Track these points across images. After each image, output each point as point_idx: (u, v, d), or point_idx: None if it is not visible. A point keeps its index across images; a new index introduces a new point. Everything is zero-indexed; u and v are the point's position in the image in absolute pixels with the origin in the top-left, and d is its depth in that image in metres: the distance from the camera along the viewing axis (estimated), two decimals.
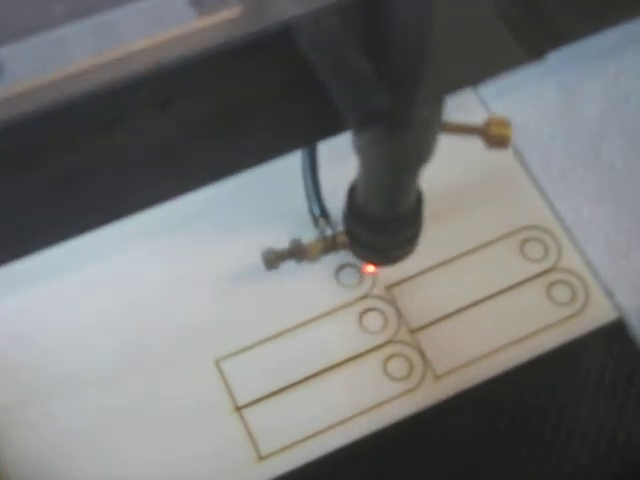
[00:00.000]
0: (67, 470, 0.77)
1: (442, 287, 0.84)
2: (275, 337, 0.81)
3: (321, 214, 0.81)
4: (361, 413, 0.79)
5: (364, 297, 0.83)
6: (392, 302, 0.83)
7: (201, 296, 0.82)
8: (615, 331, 0.82)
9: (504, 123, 0.65)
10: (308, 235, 0.80)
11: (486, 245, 0.85)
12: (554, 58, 0.88)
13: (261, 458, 0.78)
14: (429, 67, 0.46)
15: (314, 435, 0.78)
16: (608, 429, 0.78)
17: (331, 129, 0.47)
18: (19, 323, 0.81)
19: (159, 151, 0.44)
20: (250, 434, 0.78)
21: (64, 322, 0.82)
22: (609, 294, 0.84)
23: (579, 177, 0.88)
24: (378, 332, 0.82)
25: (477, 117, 0.92)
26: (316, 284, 0.83)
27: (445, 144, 0.90)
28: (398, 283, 0.83)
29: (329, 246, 0.79)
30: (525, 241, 0.86)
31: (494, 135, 0.65)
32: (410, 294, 0.83)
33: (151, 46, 0.38)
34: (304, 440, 0.78)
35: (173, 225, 0.84)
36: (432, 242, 0.85)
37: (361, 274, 0.84)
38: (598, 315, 0.83)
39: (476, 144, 0.90)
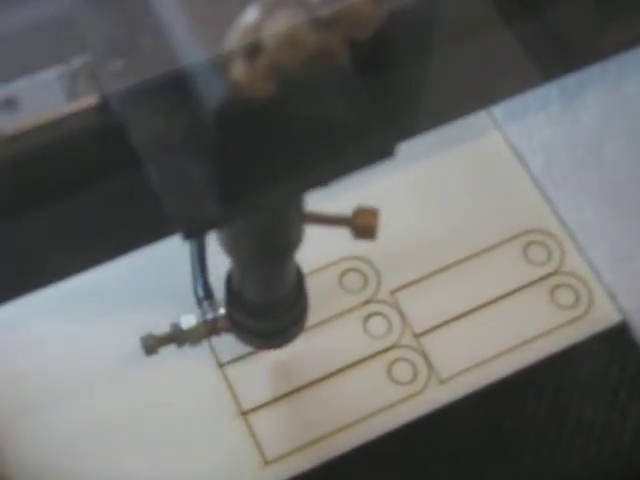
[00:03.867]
0: (69, 476, 0.77)
1: (446, 291, 0.84)
2: None
3: (205, 296, 0.76)
4: (366, 418, 0.79)
5: (368, 302, 0.83)
6: (396, 306, 0.83)
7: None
8: (619, 334, 0.82)
9: (371, 213, 0.61)
10: (191, 318, 0.76)
11: (489, 249, 0.86)
12: None
13: (266, 463, 0.78)
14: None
15: (319, 440, 0.78)
16: (612, 432, 0.78)
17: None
18: (21, 330, 0.81)
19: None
20: (255, 439, 0.78)
21: (66, 327, 0.82)
22: (612, 297, 0.84)
23: (581, 180, 0.88)
24: (382, 337, 0.82)
25: (477, 120, 0.92)
26: (319, 289, 0.83)
27: (445, 147, 0.91)
28: (402, 287, 0.84)
29: (210, 330, 0.75)
30: (528, 244, 0.86)
31: (360, 226, 0.61)
32: (414, 298, 0.83)
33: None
34: (309, 445, 0.78)
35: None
36: (435, 246, 0.85)
37: (365, 279, 0.84)
38: (601, 318, 0.83)
39: (477, 150, 0.91)
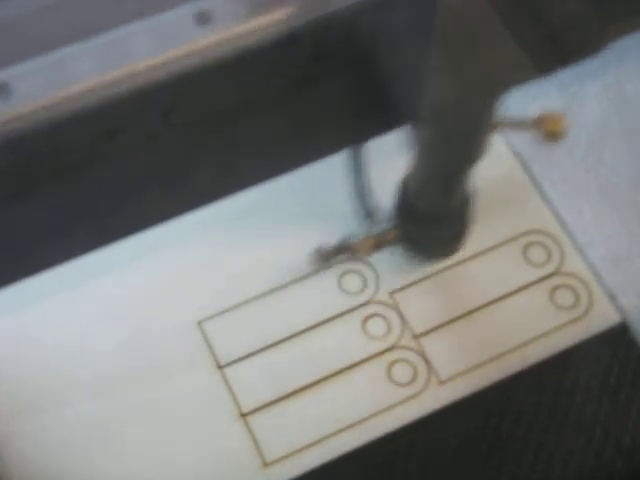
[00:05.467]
0: (69, 477, 0.77)
1: (445, 292, 0.84)
2: (279, 343, 0.81)
3: (370, 211, 0.82)
4: (366, 419, 0.79)
5: (367, 303, 0.83)
6: (395, 308, 0.83)
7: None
8: (619, 334, 0.82)
9: (558, 117, 0.73)
10: (359, 232, 0.82)
11: (489, 250, 0.86)
12: None
13: (266, 464, 0.78)
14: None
15: (319, 441, 0.78)
16: (613, 432, 0.78)
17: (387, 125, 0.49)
18: (19, 339, 0.82)
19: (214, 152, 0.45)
20: (255, 440, 0.78)
21: (64, 335, 0.82)
22: (612, 297, 0.84)
23: (581, 181, 0.88)
24: (382, 338, 0.82)
25: None
26: (319, 291, 0.83)
27: None
28: (401, 289, 0.84)
29: (379, 242, 0.81)
30: (528, 246, 0.86)
31: (548, 129, 0.73)
32: (413, 299, 0.83)
33: (160, 62, 0.39)
34: (309, 446, 0.78)
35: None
36: None
37: (364, 281, 0.84)
38: (602, 319, 0.83)
39: None
